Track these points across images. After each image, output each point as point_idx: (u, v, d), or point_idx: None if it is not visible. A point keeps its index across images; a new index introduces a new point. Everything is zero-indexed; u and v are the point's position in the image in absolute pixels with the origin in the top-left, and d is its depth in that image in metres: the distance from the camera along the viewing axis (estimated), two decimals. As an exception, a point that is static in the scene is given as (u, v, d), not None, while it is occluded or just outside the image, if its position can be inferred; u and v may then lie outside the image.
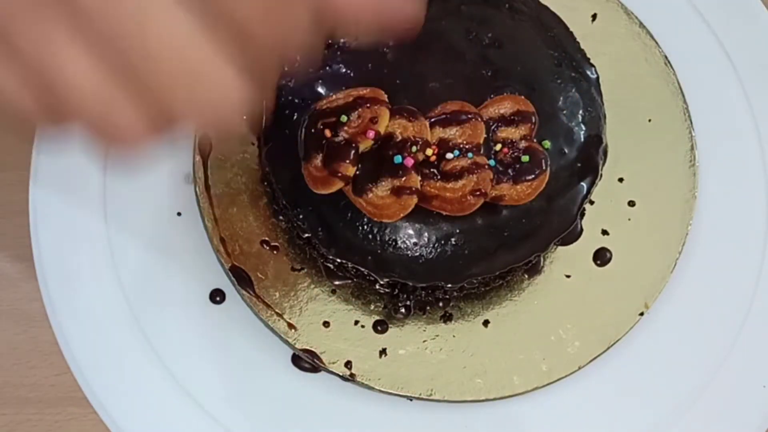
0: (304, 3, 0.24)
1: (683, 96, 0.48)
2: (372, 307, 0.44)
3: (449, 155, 0.37)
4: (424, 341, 0.44)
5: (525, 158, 0.37)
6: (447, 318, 0.44)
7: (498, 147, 0.38)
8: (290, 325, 0.43)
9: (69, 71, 0.23)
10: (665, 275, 0.45)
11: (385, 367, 0.43)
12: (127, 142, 0.25)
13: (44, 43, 0.23)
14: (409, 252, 0.39)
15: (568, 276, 0.45)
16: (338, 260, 0.41)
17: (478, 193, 0.36)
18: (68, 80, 0.23)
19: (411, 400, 0.43)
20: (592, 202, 0.46)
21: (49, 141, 0.47)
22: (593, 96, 0.41)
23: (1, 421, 0.44)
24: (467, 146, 0.37)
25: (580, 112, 0.41)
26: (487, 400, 0.43)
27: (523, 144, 0.37)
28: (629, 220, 0.46)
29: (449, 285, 0.41)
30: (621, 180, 0.47)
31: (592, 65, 0.42)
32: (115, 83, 0.23)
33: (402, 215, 0.37)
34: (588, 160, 0.40)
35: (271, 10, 0.23)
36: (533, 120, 0.38)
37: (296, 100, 0.40)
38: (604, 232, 0.46)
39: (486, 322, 0.44)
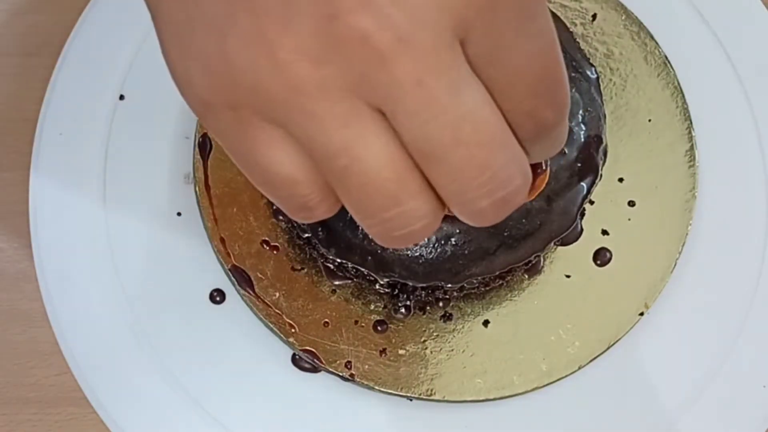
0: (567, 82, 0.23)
1: (683, 96, 0.48)
2: (372, 307, 0.44)
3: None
4: (424, 341, 0.44)
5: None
6: (447, 318, 0.44)
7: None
8: (290, 325, 0.43)
9: (371, 150, 0.21)
10: (665, 275, 0.45)
11: (385, 367, 0.43)
12: (405, 234, 0.24)
13: (348, 119, 0.21)
14: (409, 252, 0.39)
15: (568, 276, 0.45)
16: (338, 260, 0.41)
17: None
18: (369, 159, 0.21)
19: (411, 400, 0.43)
20: (592, 202, 0.46)
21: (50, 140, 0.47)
22: (593, 96, 0.41)
23: (1, 421, 0.44)
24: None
25: (580, 112, 0.41)
26: (487, 400, 0.43)
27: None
28: (629, 220, 0.46)
29: (449, 285, 0.40)
30: (621, 180, 0.47)
31: (592, 65, 0.42)
32: (409, 165, 0.22)
33: (402, 215, 0.37)
34: (588, 160, 0.40)
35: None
36: (533, 120, 0.38)
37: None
38: (604, 232, 0.46)
39: (486, 322, 0.44)
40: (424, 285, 0.41)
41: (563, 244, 0.45)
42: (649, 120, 0.48)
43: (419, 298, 0.44)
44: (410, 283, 0.40)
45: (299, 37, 0.20)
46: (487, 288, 0.44)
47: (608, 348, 0.44)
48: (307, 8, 0.19)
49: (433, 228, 0.23)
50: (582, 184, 0.40)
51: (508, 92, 0.22)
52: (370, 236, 0.24)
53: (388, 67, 0.20)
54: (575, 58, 0.42)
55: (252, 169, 0.23)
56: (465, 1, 0.20)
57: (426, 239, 0.38)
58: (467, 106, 0.21)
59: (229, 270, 0.44)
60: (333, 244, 0.40)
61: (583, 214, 0.46)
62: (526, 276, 0.45)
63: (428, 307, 0.44)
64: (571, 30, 0.43)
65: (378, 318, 0.44)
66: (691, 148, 0.47)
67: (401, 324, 0.44)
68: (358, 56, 0.20)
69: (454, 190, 0.22)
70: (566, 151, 0.40)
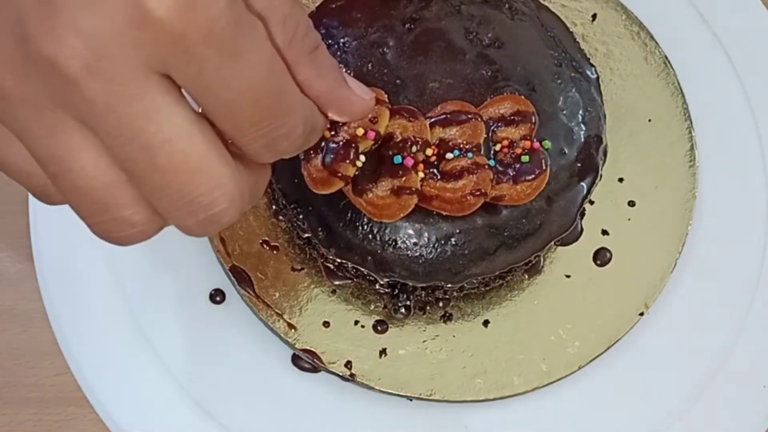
0: (297, 112, 0.25)
1: (683, 96, 0.48)
2: (372, 307, 0.44)
3: (449, 155, 0.37)
4: (424, 341, 0.44)
5: (525, 158, 0.37)
6: (447, 318, 0.44)
7: (498, 147, 0.38)
8: (290, 325, 0.43)
9: (77, 162, 0.23)
10: (665, 275, 0.45)
11: (385, 367, 0.43)
12: (122, 237, 0.25)
13: (55, 130, 0.23)
14: (409, 252, 0.39)
15: (568, 276, 0.45)
16: (338, 260, 0.41)
17: (478, 193, 0.36)
18: (76, 170, 0.23)
19: (411, 400, 0.43)
20: (592, 202, 0.46)
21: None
22: (593, 96, 0.41)
23: (1, 421, 0.44)
24: (467, 146, 0.37)
25: (580, 112, 0.41)
26: (487, 400, 0.43)
27: (523, 144, 0.37)
28: (629, 220, 0.46)
29: (449, 285, 0.40)
30: (621, 180, 0.47)
31: (592, 65, 0.42)
32: (118, 178, 0.23)
33: (402, 215, 0.37)
34: (588, 160, 0.40)
35: (265, 110, 0.24)
36: (533, 120, 0.38)
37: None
38: (604, 232, 0.46)
39: (486, 322, 0.44)
40: (424, 285, 0.41)
41: (563, 244, 0.45)
42: (649, 120, 0.48)
43: (419, 298, 0.44)
44: (410, 283, 0.40)
45: (2, 51, 0.21)
46: (487, 288, 0.44)
47: (608, 348, 0.44)
48: (4, 27, 0.21)
49: (150, 233, 0.25)
50: (582, 184, 0.40)
51: (224, 122, 0.23)
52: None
53: (80, 90, 0.21)
54: (575, 58, 0.42)
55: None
56: (153, 42, 0.21)
57: (426, 239, 0.38)
58: (163, 134, 0.22)
59: (229, 270, 0.44)
60: (333, 244, 0.40)
61: (583, 214, 0.46)
62: (526, 276, 0.45)
63: (428, 307, 0.44)
64: (571, 30, 0.43)
65: (378, 318, 0.44)
66: (691, 148, 0.47)
67: (401, 324, 0.44)
68: (51, 78, 0.21)
69: (160, 207, 0.24)
70: (566, 151, 0.40)
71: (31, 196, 0.46)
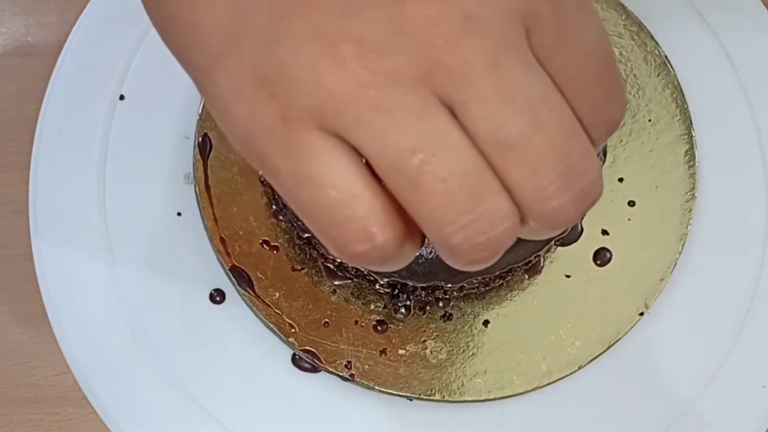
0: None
1: (683, 96, 0.48)
2: (372, 307, 0.44)
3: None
4: (424, 341, 0.44)
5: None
6: (447, 318, 0.44)
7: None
8: (290, 325, 0.43)
9: (450, 141, 0.19)
10: (665, 275, 0.45)
11: (385, 367, 0.43)
12: (492, 239, 0.22)
13: (424, 109, 0.19)
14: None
15: (568, 276, 0.45)
16: (338, 260, 0.41)
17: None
18: (447, 152, 0.19)
19: (411, 400, 0.43)
20: (592, 202, 0.46)
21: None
22: (593, 96, 0.41)
23: (1, 421, 0.44)
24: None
25: (580, 112, 0.41)
26: (487, 400, 0.43)
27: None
28: (629, 220, 0.46)
29: (449, 285, 0.40)
30: (621, 180, 0.47)
31: (592, 65, 0.42)
32: (484, 161, 0.20)
33: (402, 215, 0.36)
34: (588, 160, 0.40)
35: None
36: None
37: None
38: (604, 232, 0.46)
39: (486, 322, 0.44)
40: (424, 285, 0.41)
41: (563, 244, 0.45)
42: (649, 120, 0.48)
43: (419, 298, 0.44)
44: (410, 283, 0.40)
45: (363, 28, 0.18)
46: (487, 288, 0.44)
47: (608, 348, 0.44)
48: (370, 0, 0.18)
49: (515, 233, 0.21)
50: (582, 184, 0.40)
51: (577, 81, 0.20)
52: (443, 255, 0.21)
53: (460, 47, 0.19)
54: (575, 58, 0.42)
55: (302, 188, 0.20)
56: None
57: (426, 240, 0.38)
58: (542, 86, 0.19)
59: (229, 270, 0.44)
60: (333, 244, 0.40)
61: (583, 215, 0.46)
62: (526, 276, 0.45)
63: (428, 307, 0.44)
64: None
65: (378, 318, 0.44)
66: (691, 148, 0.47)
67: (401, 324, 0.44)
68: (428, 40, 0.18)
69: (534, 184, 0.20)
70: (566, 151, 0.40)
71: (32, 197, 0.46)
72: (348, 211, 0.20)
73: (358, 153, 0.20)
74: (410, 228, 0.21)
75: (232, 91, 0.20)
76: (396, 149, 0.19)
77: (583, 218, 0.45)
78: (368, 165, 0.20)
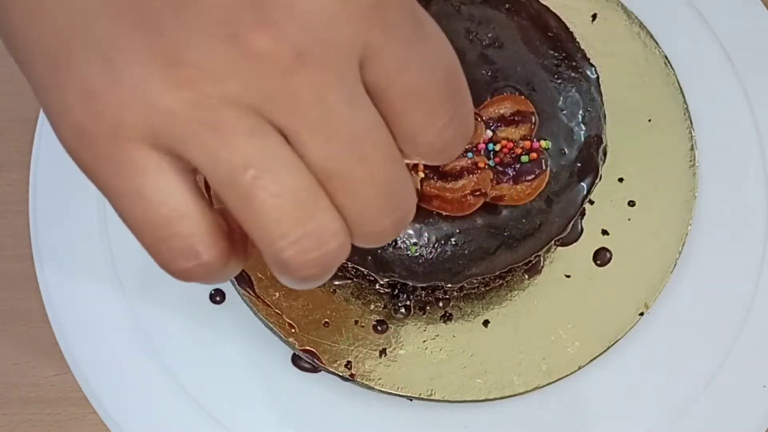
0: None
1: (683, 96, 0.48)
2: (372, 307, 0.44)
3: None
4: (424, 341, 0.44)
5: (525, 158, 0.37)
6: (447, 318, 0.44)
7: (498, 147, 0.38)
8: (290, 325, 0.43)
9: (278, 161, 0.20)
10: (665, 275, 0.45)
11: (385, 367, 0.43)
12: (323, 255, 0.22)
13: (253, 131, 0.20)
14: (408, 252, 0.39)
15: (568, 276, 0.45)
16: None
17: (478, 193, 0.36)
18: (276, 170, 0.20)
19: (411, 400, 0.43)
20: (592, 202, 0.46)
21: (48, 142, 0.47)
22: (593, 96, 0.41)
23: (1, 421, 0.44)
24: (467, 146, 0.37)
25: (580, 112, 0.41)
26: (487, 400, 0.43)
27: (523, 144, 0.37)
28: (629, 220, 0.46)
29: (449, 285, 0.40)
30: (621, 180, 0.47)
31: (592, 65, 0.42)
32: (316, 182, 0.21)
33: (402, 215, 0.37)
34: (588, 160, 0.40)
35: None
36: (533, 120, 0.38)
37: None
38: (604, 232, 0.46)
39: (486, 322, 0.44)
40: (424, 285, 0.41)
41: (563, 244, 0.45)
42: (649, 120, 0.48)
43: (419, 298, 0.44)
44: (410, 283, 0.40)
45: (198, 55, 0.19)
46: (487, 288, 0.44)
47: (608, 348, 0.44)
48: (208, 27, 0.19)
49: (347, 250, 0.22)
50: (582, 184, 0.40)
51: (419, 103, 0.22)
52: (277, 272, 0.22)
53: (289, 82, 0.20)
54: (575, 58, 0.42)
55: (132, 204, 0.21)
56: (357, 19, 0.20)
57: (426, 239, 0.38)
58: (368, 122, 0.21)
59: (229, 270, 0.44)
60: (333, 244, 0.40)
61: (583, 214, 0.46)
62: (526, 276, 0.45)
63: (428, 307, 0.44)
64: (571, 30, 0.43)
65: (378, 318, 0.44)
66: (691, 148, 0.47)
67: (401, 324, 0.44)
68: (260, 72, 0.19)
69: (357, 209, 0.21)
70: (566, 151, 0.40)
71: (31, 197, 0.46)
72: (176, 229, 0.21)
73: (193, 172, 0.21)
74: (236, 246, 0.22)
75: (63, 102, 0.20)
76: (229, 165, 0.20)
77: (582, 217, 0.45)
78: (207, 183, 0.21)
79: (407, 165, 0.23)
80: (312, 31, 0.19)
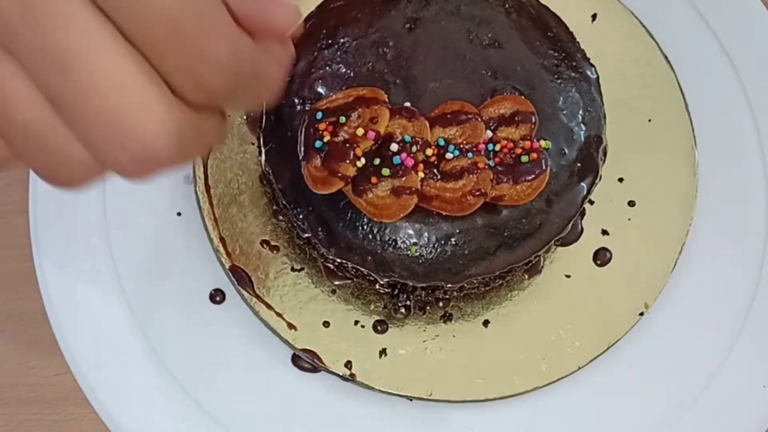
0: (219, 35, 0.22)
1: (683, 96, 0.48)
2: (372, 307, 0.44)
3: (449, 155, 0.37)
4: (424, 341, 0.44)
5: (525, 158, 0.37)
6: (447, 318, 0.44)
7: (498, 147, 0.38)
8: (290, 325, 0.43)
9: (12, 93, 0.21)
10: (665, 275, 0.45)
11: (385, 367, 0.43)
12: (72, 177, 0.23)
13: None
14: (408, 252, 0.39)
15: (568, 276, 0.45)
16: (338, 260, 0.41)
17: (478, 193, 0.36)
18: (12, 101, 0.21)
19: (411, 400, 0.43)
20: (592, 202, 0.46)
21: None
22: (593, 96, 0.41)
23: (1, 421, 0.44)
24: (467, 146, 0.37)
25: (580, 112, 0.41)
26: (487, 400, 0.43)
27: (523, 144, 0.37)
28: (629, 220, 0.46)
29: (449, 285, 0.41)
30: (621, 180, 0.47)
31: (592, 65, 0.42)
32: (51, 109, 0.21)
33: (402, 215, 0.37)
34: (588, 160, 0.40)
35: (185, 35, 0.21)
36: (533, 120, 0.38)
37: (296, 100, 0.40)
38: (604, 232, 0.46)
39: (486, 322, 0.44)
40: (424, 285, 0.41)
41: (563, 244, 0.45)
42: (649, 120, 0.48)
43: (419, 298, 0.44)
44: (410, 283, 0.40)
45: None
46: (487, 288, 0.44)
47: (608, 348, 0.44)
48: None
49: (97, 170, 0.22)
50: (582, 184, 0.40)
51: (141, 47, 0.21)
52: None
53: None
54: (575, 58, 0.42)
55: None
56: None
57: (426, 239, 0.38)
58: (80, 44, 0.20)
59: (229, 270, 0.44)
60: (333, 244, 0.40)
61: (583, 214, 0.46)
62: (526, 276, 0.45)
63: (428, 307, 0.44)
64: (571, 30, 0.43)
65: (378, 318, 0.44)
66: (691, 148, 0.47)
67: (401, 324, 0.44)
68: None
69: (87, 140, 0.21)
70: (566, 151, 0.40)
71: (32, 197, 0.46)
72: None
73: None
74: None
75: None
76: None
77: (582, 217, 0.45)
78: None
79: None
80: None
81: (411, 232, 0.39)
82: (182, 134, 0.22)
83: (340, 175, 0.36)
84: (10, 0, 0.20)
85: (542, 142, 0.38)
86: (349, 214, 0.39)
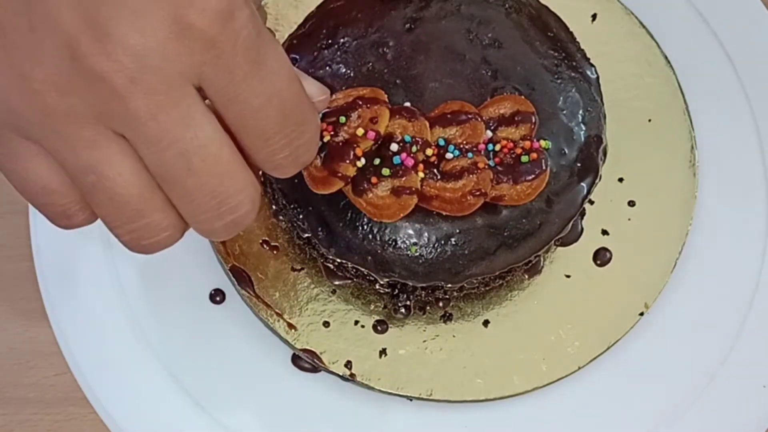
0: (314, 118, 0.28)
1: (683, 96, 0.48)
2: (372, 307, 0.44)
3: (449, 155, 0.37)
4: (424, 341, 0.44)
5: (525, 158, 0.37)
6: (447, 318, 0.44)
7: (498, 147, 0.38)
8: (290, 325, 0.43)
9: (116, 169, 0.25)
10: (665, 275, 0.45)
11: (385, 367, 0.43)
12: (153, 243, 0.27)
13: (95, 141, 0.25)
14: (408, 252, 0.39)
15: (568, 276, 0.45)
16: (338, 260, 0.41)
17: (478, 193, 0.36)
18: (114, 177, 0.25)
19: (411, 400, 0.43)
20: (592, 202, 0.46)
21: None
22: (593, 96, 0.41)
23: (1, 421, 0.44)
24: (467, 146, 0.37)
25: (580, 112, 0.41)
26: (487, 400, 0.43)
27: (523, 144, 0.37)
28: (629, 220, 0.46)
29: (449, 285, 0.40)
30: (621, 180, 0.47)
31: (592, 65, 0.42)
32: (151, 183, 0.25)
33: (402, 215, 0.37)
34: (588, 160, 0.40)
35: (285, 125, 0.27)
36: (533, 120, 0.38)
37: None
38: (604, 232, 0.46)
39: (486, 322, 0.44)
40: (424, 285, 0.41)
41: (563, 244, 0.45)
42: (649, 120, 0.48)
43: (419, 298, 0.44)
44: (410, 283, 0.40)
45: (47, 71, 0.24)
46: (487, 288, 0.44)
47: (608, 348, 0.44)
48: (52, 49, 0.23)
49: (177, 237, 0.27)
50: (582, 184, 0.40)
51: (251, 131, 0.26)
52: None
53: (125, 102, 0.24)
54: (575, 58, 0.42)
55: (13, 180, 0.27)
56: (190, 53, 0.24)
57: (426, 239, 0.39)
58: (198, 140, 0.25)
59: (229, 270, 0.44)
60: (333, 244, 0.40)
61: (583, 214, 0.46)
62: (526, 276, 0.45)
63: (428, 307, 0.44)
64: (571, 30, 0.43)
65: (378, 318, 0.44)
66: (691, 148, 0.47)
67: (401, 324, 0.44)
68: (98, 92, 0.24)
69: (189, 211, 0.26)
70: (566, 151, 0.40)
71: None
72: (47, 199, 0.27)
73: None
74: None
75: None
76: (74, 169, 0.25)
77: (582, 217, 0.45)
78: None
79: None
80: (144, 62, 0.23)
81: (411, 232, 0.39)
82: (258, 202, 0.27)
83: (340, 175, 0.36)
84: (146, 100, 0.24)
85: (542, 142, 0.38)
86: (349, 214, 0.39)
